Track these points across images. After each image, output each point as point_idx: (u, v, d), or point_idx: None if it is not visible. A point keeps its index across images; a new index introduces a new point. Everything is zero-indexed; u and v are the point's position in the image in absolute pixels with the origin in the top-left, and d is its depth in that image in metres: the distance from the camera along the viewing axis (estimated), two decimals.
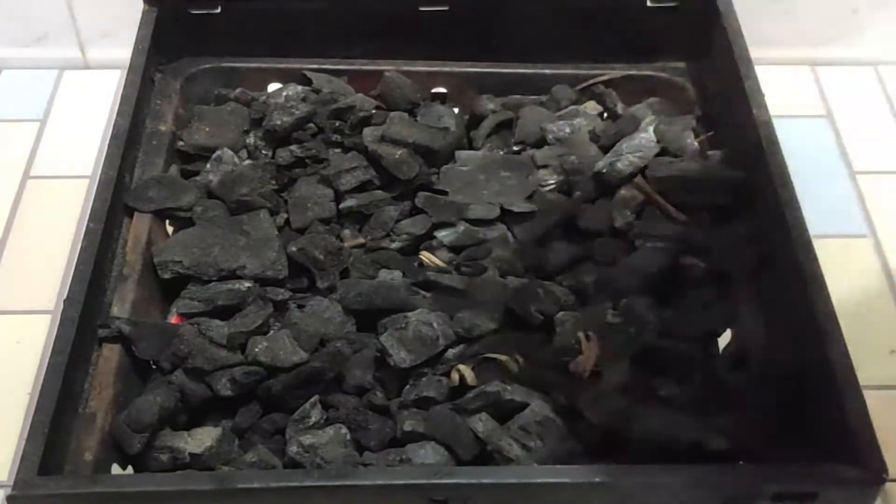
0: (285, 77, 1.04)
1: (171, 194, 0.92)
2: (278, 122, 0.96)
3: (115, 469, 0.77)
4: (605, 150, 0.95)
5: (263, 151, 0.97)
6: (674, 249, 0.88)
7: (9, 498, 0.67)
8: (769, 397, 0.79)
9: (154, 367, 0.83)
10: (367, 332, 0.83)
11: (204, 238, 0.87)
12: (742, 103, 0.93)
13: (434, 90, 1.05)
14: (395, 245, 0.89)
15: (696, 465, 0.73)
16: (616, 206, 0.91)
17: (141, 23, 1.02)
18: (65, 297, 0.79)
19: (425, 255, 0.88)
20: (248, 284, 0.84)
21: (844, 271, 1.02)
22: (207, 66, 1.05)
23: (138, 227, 0.89)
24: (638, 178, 0.92)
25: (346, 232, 0.91)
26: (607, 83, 1.05)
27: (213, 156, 0.96)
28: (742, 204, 0.92)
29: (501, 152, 0.98)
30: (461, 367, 0.79)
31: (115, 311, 0.83)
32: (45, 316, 1.02)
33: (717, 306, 0.87)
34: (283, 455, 0.76)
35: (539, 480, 0.69)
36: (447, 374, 0.79)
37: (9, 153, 1.18)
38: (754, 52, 0.97)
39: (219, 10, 1.04)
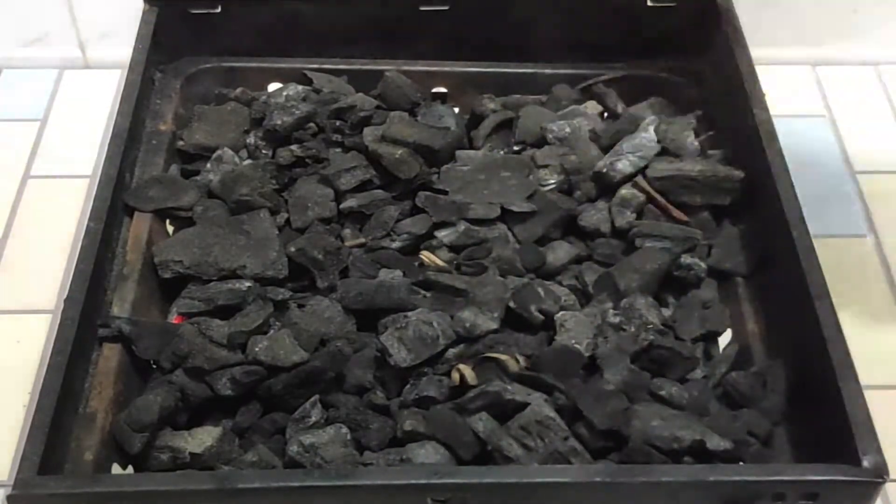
0: (285, 77, 1.04)
1: (171, 194, 0.92)
2: (278, 122, 0.96)
3: (116, 469, 0.77)
4: (605, 150, 0.95)
5: (264, 151, 0.97)
6: (674, 249, 0.88)
7: (9, 497, 0.67)
8: (769, 397, 0.79)
9: (154, 366, 0.83)
10: (368, 331, 0.83)
11: (204, 238, 0.87)
12: (742, 103, 0.93)
13: (434, 90, 1.05)
14: (395, 245, 0.89)
15: (696, 465, 0.73)
16: (616, 206, 0.91)
17: (141, 23, 1.02)
18: (65, 296, 0.79)
19: (426, 255, 0.88)
20: (248, 284, 0.84)
21: (844, 271, 1.02)
22: (207, 65, 1.05)
23: (138, 227, 0.89)
24: (638, 178, 0.92)
25: (347, 231, 0.91)
26: (607, 83, 1.05)
27: (214, 155, 0.96)
28: (742, 204, 0.92)
29: (501, 152, 0.98)
30: (461, 366, 0.79)
31: (115, 310, 0.83)
32: (45, 316, 1.02)
33: (717, 306, 0.87)
34: (283, 455, 0.76)
35: (539, 480, 0.69)
36: (447, 374, 0.79)
37: (9, 153, 1.18)
38: (754, 52, 0.97)
39: (219, 10, 1.04)
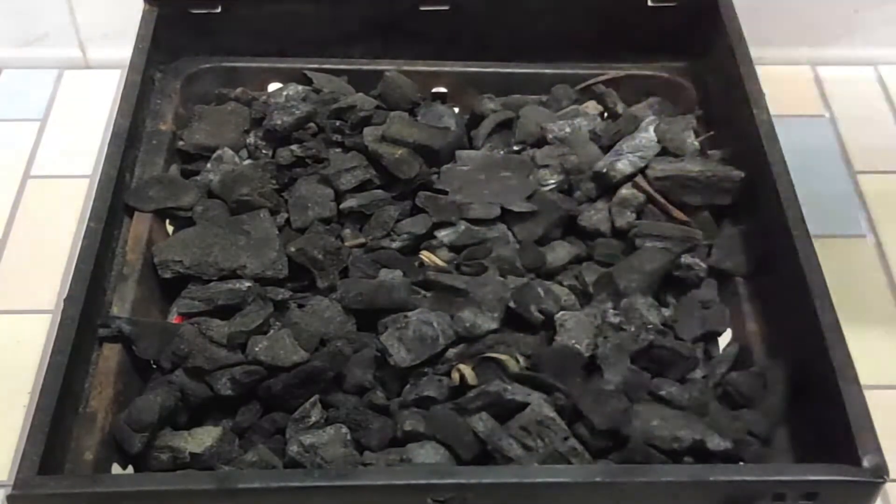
0: (285, 77, 1.04)
1: (171, 194, 0.92)
2: (279, 122, 0.96)
3: (116, 469, 0.77)
4: (605, 149, 0.95)
5: (264, 151, 0.97)
6: (674, 249, 0.88)
7: (9, 497, 0.67)
8: (769, 397, 0.79)
9: (154, 366, 0.83)
10: (368, 331, 0.84)
11: (204, 238, 0.87)
12: (742, 103, 0.93)
13: (434, 90, 1.05)
14: (395, 244, 0.89)
15: (696, 465, 0.73)
16: (616, 206, 0.91)
17: (141, 23, 1.02)
18: (65, 296, 0.79)
19: (426, 255, 0.88)
20: (248, 284, 0.84)
21: (844, 271, 1.02)
22: (207, 65, 1.05)
23: (138, 227, 0.89)
24: (638, 178, 0.92)
25: (347, 231, 0.91)
26: (607, 83, 1.05)
27: (214, 155, 0.96)
28: (742, 204, 0.92)
29: (501, 152, 0.98)
30: (461, 366, 0.79)
31: (115, 310, 0.83)
32: (45, 316, 1.02)
33: (717, 306, 0.87)
34: (283, 455, 0.76)
35: (539, 480, 0.69)
36: (447, 374, 0.80)
37: (9, 153, 1.18)
38: (754, 52, 0.97)
39: (219, 10, 1.04)
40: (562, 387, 0.77)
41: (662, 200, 0.91)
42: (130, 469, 0.78)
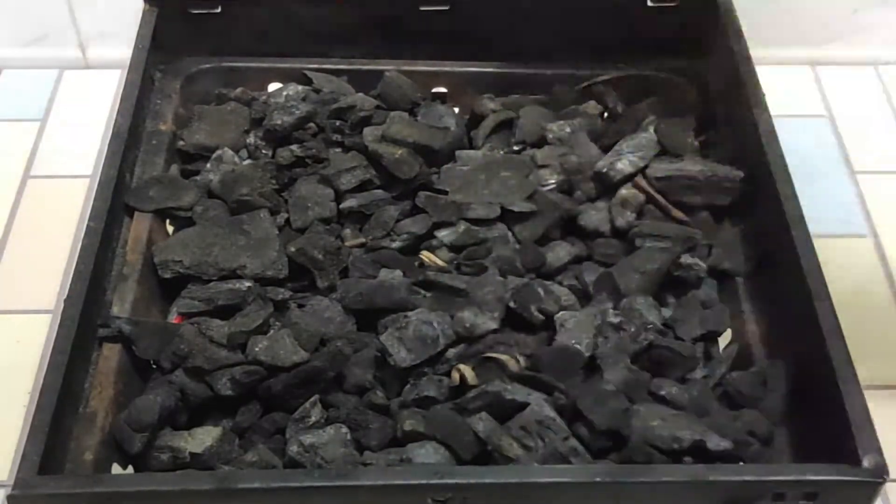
0: (285, 77, 1.04)
1: (171, 194, 0.92)
2: (279, 122, 0.96)
3: (116, 469, 0.77)
4: (605, 149, 0.95)
5: (264, 151, 0.97)
6: (674, 249, 0.88)
7: (9, 497, 0.67)
8: (769, 397, 0.79)
9: (154, 366, 0.83)
10: (368, 331, 0.84)
11: (204, 238, 0.87)
12: (742, 103, 0.93)
13: (434, 90, 1.05)
14: (395, 244, 0.89)
15: (696, 465, 0.73)
16: (616, 206, 0.91)
17: (141, 23, 1.02)
18: (65, 296, 0.79)
19: (426, 255, 0.88)
20: (248, 284, 0.84)
21: (844, 271, 1.02)
22: (207, 65, 1.05)
23: (138, 227, 0.89)
24: (638, 178, 0.92)
25: (347, 231, 0.91)
26: (607, 83, 1.05)
27: (214, 155, 0.96)
28: (742, 204, 0.92)
29: (501, 152, 0.98)
30: (461, 366, 0.79)
31: (115, 310, 0.83)
32: (45, 316, 1.02)
33: (717, 306, 0.87)
34: (283, 455, 0.76)
35: (539, 480, 0.69)
36: (447, 374, 0.80)
37: (9, 153, 1.18)
38: (754, 52, 0.97)
39: (219, 10, 1.04)
40: (562, 387, 0.77)
41: (662, 200, 0.91)
42: (130, 469, 0.78)
